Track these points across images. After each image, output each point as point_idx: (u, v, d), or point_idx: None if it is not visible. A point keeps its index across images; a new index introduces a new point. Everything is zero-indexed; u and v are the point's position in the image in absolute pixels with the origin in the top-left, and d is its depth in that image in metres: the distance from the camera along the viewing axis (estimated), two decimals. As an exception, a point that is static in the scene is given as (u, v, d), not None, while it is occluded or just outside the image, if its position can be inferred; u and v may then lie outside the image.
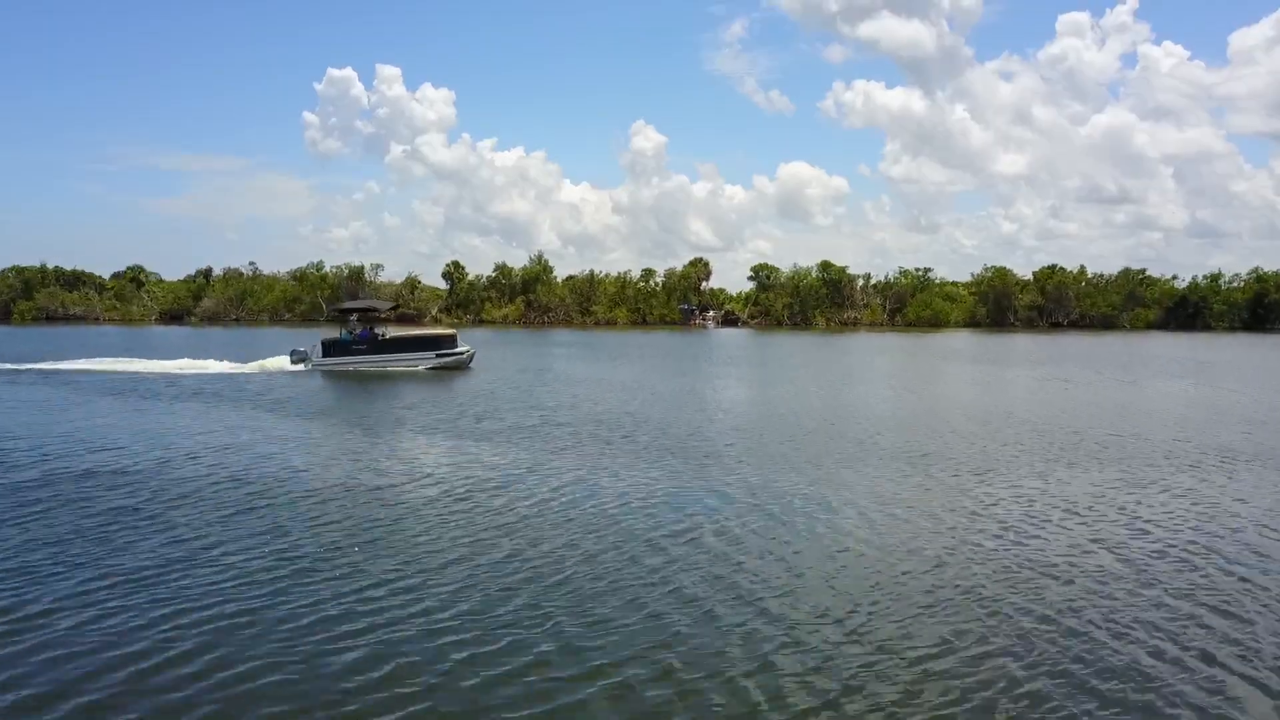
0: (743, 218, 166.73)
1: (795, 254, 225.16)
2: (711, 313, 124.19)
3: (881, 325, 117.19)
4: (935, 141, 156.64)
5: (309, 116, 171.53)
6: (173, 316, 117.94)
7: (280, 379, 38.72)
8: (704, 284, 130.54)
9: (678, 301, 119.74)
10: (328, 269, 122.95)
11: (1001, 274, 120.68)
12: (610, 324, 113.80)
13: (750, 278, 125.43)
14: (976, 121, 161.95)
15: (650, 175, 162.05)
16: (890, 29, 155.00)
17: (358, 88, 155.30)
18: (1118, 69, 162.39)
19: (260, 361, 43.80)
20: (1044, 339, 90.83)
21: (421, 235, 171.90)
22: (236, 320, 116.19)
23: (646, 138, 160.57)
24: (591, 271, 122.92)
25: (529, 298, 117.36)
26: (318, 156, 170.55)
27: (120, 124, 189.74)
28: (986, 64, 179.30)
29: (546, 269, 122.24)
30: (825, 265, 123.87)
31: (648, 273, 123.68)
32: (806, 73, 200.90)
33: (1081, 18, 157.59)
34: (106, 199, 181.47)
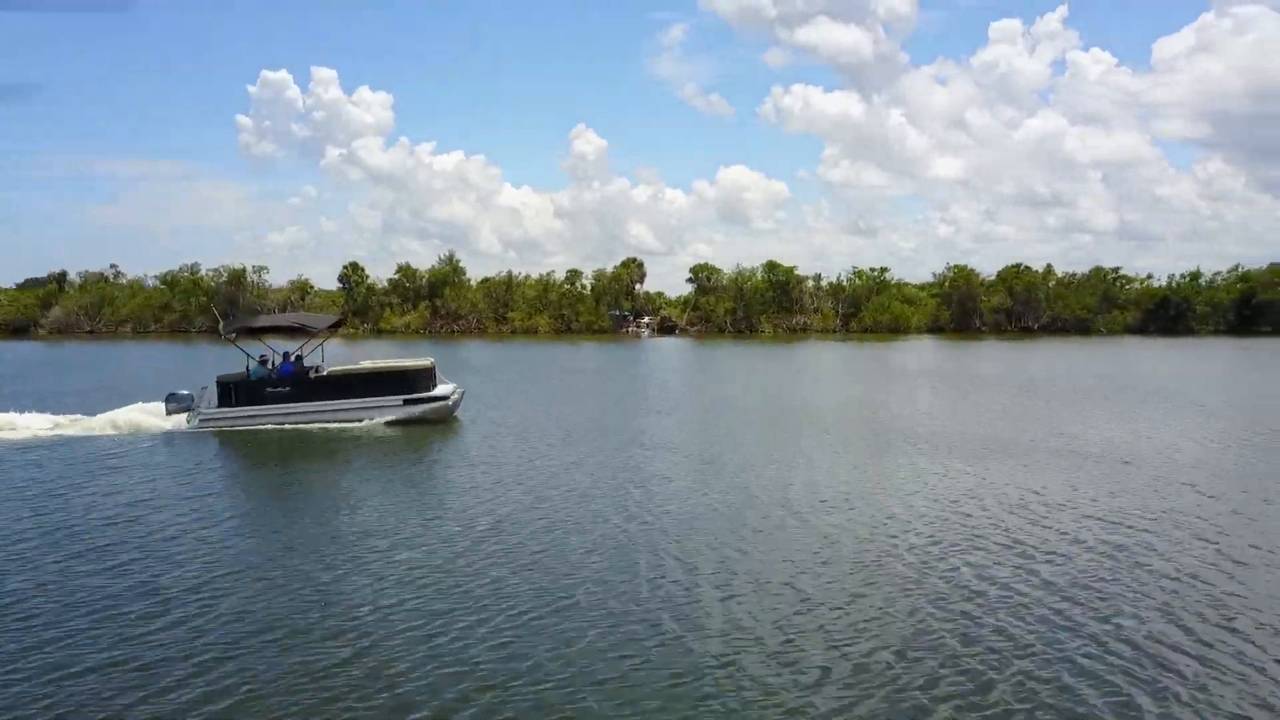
0: (684, 222, 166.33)
1: (736, 258, 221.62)
2: (646, 319, 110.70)
3: (834, 332, 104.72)
4: (873, 146, 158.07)
5: (242, 120, 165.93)
6: (15, 329, 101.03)
7: (143, 450, 23.27)
8: (638, 287, 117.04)
9: (608, 307, 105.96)
10: (204, 271, 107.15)
11: (965, 274, 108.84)
12: (530, 333, 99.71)
13: (689, 279, 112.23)
14: (913, 126, 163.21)
15: (591, 179, 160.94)
16: (828, 34, 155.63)
17: (293, 90, 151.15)
18: (1048, 75, 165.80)
19: (113, 414, 27.29)
20: (1013, 348, 78.73)
21: (359, 240, 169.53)
22: (91, 333, 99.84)
23: (587, 141, 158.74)
24: (509, 273, 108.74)
25: (436, 303, 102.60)
26: (252, 160, 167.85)
27: (50, 129, 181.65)
28: (922, 69, 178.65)
29: (457, 270, 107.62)
30: (771, 266, 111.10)
31: (573, 274, 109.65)
32: (746, 78, 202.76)
33: (1013, 25, 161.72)
34: (37, 206, 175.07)
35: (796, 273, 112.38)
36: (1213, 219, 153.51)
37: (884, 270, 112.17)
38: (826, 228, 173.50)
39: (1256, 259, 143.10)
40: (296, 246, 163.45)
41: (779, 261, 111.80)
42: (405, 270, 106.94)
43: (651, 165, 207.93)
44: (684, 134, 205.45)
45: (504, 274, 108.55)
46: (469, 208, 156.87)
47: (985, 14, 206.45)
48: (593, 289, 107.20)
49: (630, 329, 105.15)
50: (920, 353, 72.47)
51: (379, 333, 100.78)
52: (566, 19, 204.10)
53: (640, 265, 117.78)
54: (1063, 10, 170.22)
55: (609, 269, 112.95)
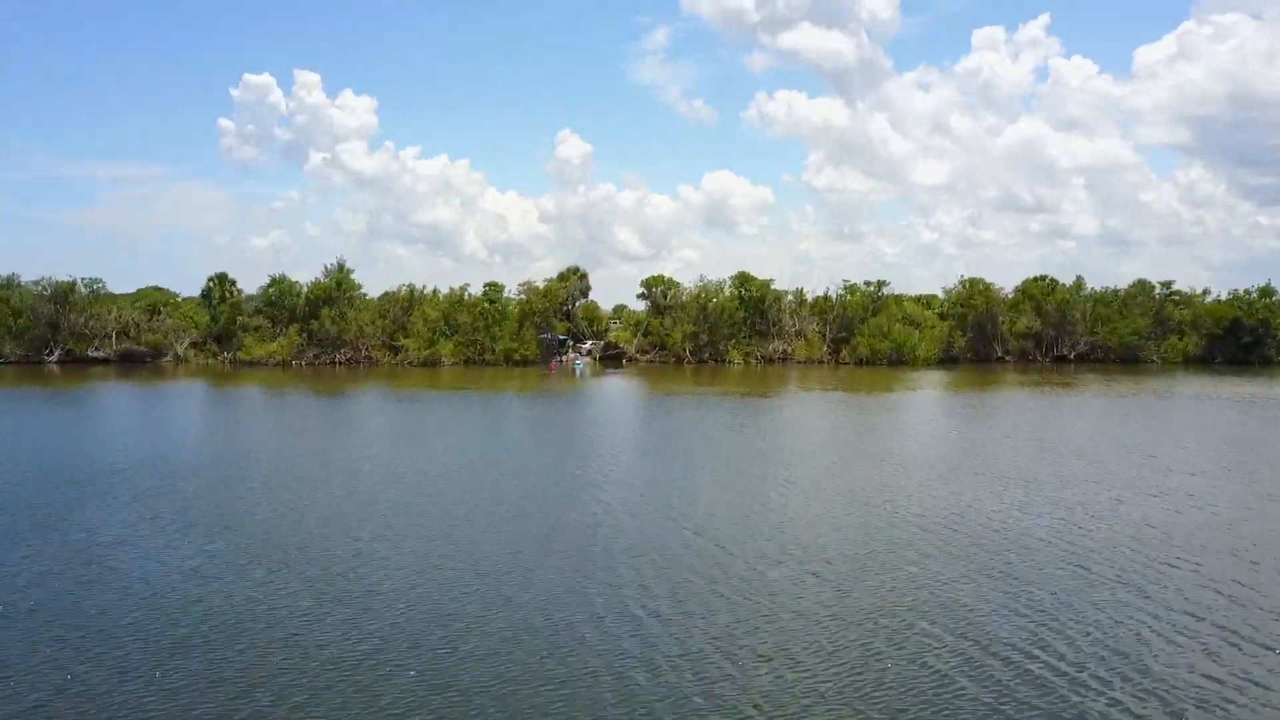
0: (670, 227, 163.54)
1: (721, 264, 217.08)
2: (587, 345, 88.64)
3: (822, 363, 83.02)
4: (857, 151, 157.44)
5: (225, 123, 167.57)
6: None
7: None
8: (579, 302, 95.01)
9: (535, 329, 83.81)
10: (24, 282, 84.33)
11: (982, 291, 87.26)
12: (431, 364, 77.44)
13: (640, 295, 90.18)
14: (896, 131, 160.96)
15: (576, 184, 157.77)
16: (811, 39, 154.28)
17: (276, 94, 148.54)
18: (1031, 82, 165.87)
19: None
20: (1066, 398, 57.34)
21: (344, 245, 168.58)
22: None
23: (572, 146, 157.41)
24: (410, 287, 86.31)
25: (311, 327, 79.97)
26: (234, 165, 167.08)
27: (24, 129, 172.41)
28: (905, 75, 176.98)
29: (348, 284, 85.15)
30: (743, 279, 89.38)
31: (493, 289, 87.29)
32: (729, 82, 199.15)
33: (996, 32, 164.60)
34: (10, 209, 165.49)
35: (773, 287, 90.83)
36: (1194, 224, 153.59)
37: (881, 284, 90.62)
38: (811, 233, 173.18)
39: (1237, 265, 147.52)
40: (279, 251, 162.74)
41: (752, 274, 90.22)
42: (279, 283, 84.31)
43: (636, 170, 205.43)
44: (668, 139, 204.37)
45: (405, 287, 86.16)
46: (453, 212, 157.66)
47: (968, 20, 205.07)
48: (521, 306, 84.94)
49: (560, 361, 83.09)
50: (945, 410, 50.78)
51: (236, 364, 78.42)
52: (551, 23, 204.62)
53: (583, 277, 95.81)
54: (1045, 18, 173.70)
55: (539, 283, 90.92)
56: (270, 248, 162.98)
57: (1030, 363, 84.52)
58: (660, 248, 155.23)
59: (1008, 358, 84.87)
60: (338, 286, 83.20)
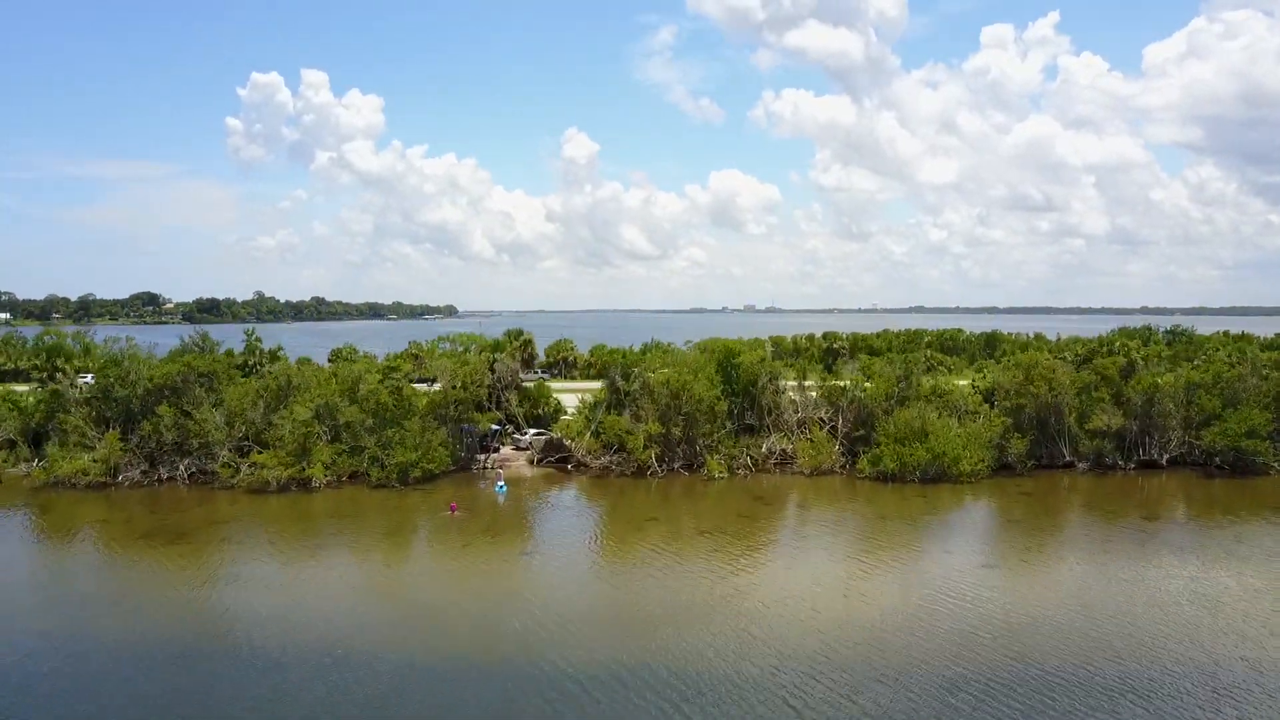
0: (676, 226, 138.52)
1: (729, 262, 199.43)
2: (527, 436, 67.83)
3: (833, 473, 62.14)
4: (864, 150, 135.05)
5: (232, 122, 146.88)
6: None
7: None
8: (520, 373, 74.24)
9: (453, 421, 63.11)
10: None
11: (1044, 372, 65.94)
12: (301, 486, 56.67)
13: (589, 361, 69.28)
14: (904, 130, 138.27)
15: (583, 183, 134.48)
16: (817, 37, 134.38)
17: (283, 93, 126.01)
18: (1040, 80, 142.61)
19: None
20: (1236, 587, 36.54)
21: (351, 244, 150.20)
22: None
23: (579, 145, 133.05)
24: (288, 371, 65.51)
25: (143, 429, 59.17)
26: (241, 164, 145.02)
27: (31, 129, 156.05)
28: (913, 73, 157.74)
29: (212, 363, 64.38)
30: (726, 351, 68.96)
31: (391, 366, 66.39)
32: (736, 82, 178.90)
33: (1005, 30, 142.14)
34: (21, 210, 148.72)
35: (770, 360, 70.15)
36: (1204, 223, 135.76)
37: (910, 357, 69.76)
38: (819, 232, 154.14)
39: (1248, 264, 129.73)
40: (287, 250, 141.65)
41: (735, 343, 69.72)
42: (115, 364, 63.80)
43: (643, 169, 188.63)
44: (675, 137, 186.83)
45: (194, 338, 65.36)
46: (460, 211, 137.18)
47: (976, 18, 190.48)
48: (428, 399, 63.84)
49: (484, 468, 62.50)
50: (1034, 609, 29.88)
51: (48, 480, 58.03)
52: (558, 23, 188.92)
53: (527, 343, 75.12)
54: (1054, 15, 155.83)
55: (473, 351, 70.37)
56: (278, 247, 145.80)
57: (1109, 470, 63.49)
58: (667, 246, 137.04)
59: (1080, 464, 63.78)
60: (190, 370, 62.51)
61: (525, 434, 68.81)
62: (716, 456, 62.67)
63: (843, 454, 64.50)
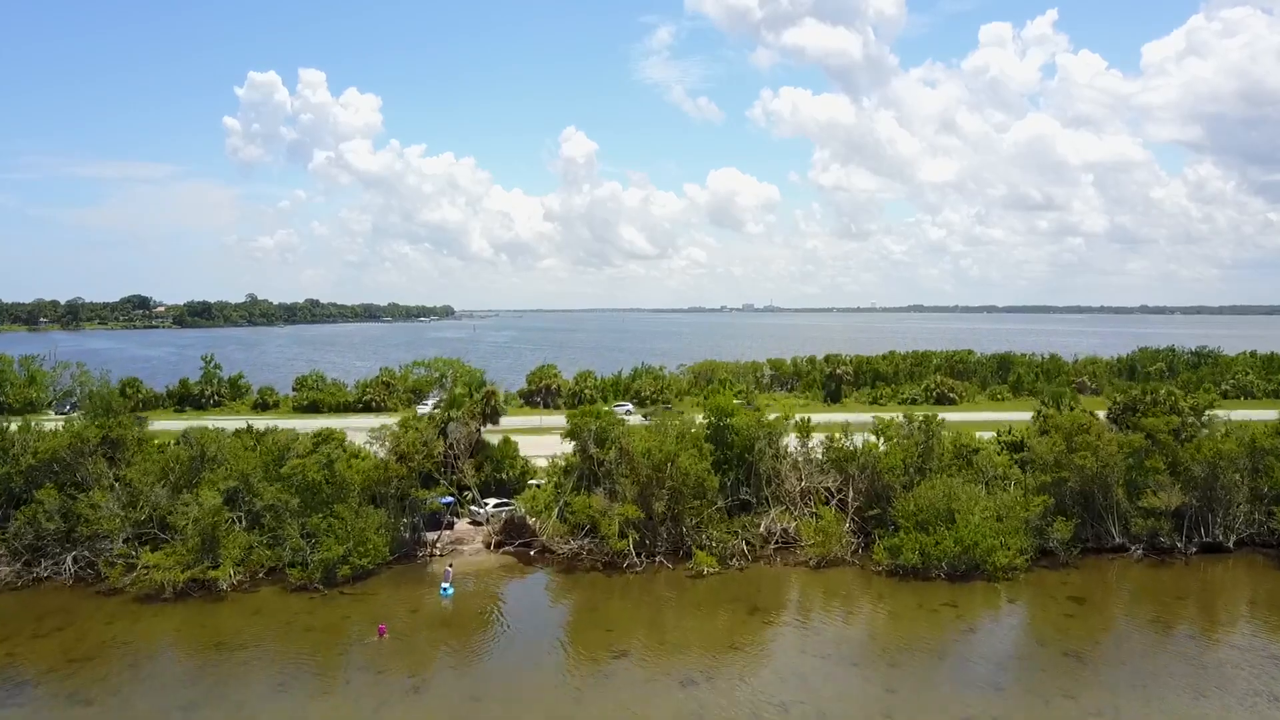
0: (676, 225, 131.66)
1: (728, 261, 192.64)
2: (487, 508, 58.41)
3: (845, 563, 52.66)
4: (864, 149, 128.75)
5: (230, 122, 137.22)
6: None
7: None
8: (482, 430, 64.86)
9: (397, 498, 53.65)
10: None
11: (1088, 440, 56.44)
12: (205, 588, 47.12)
13: (564, 434, 59.66)
14: (904, 129, 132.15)
15: (582, 182, 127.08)
16: (815, 36, 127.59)
17: (281, 93, 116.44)
18: (1039, 79, 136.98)
19: None
20: None
21: (351, 244, 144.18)
22: None
23: (577, 145, 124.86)
24: (202, 440, 55.73)
25: (17, 519, 49.63)
26: (240, 164, 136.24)
27: (34, 131, 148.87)
28: (911, 72, 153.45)
29: (116, 427, 54.91)
30: (719, 410, 59.57)
31: (323, 436, 56.55)
32: (734, 81, 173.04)
33: (1003, 28, 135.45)
34: (22, 211, 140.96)
35: (769, 416, 60.72)
36: (1204, 222, 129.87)
37: (932, 420, 60.37)
38: (818, 231, 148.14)
39: (1247, 263, 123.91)
40: (287, 250, 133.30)
41: (728, 398, 60.33)
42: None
43: (642, 168, 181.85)
44: (674, 137, 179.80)
45: (197, 439, 55.68)
46: (459, 211, 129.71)
47: (975, 17, 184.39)
48: (362, 477, 54.01)
49: (431, 554, 53.14)
50: None
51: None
52: (557, 22, 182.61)
53: (490, 395, 65.59)
54: (1052, 14, 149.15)
55: (420, 412, 61.05)
56: (277, 247, 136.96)
57: (1166, 555, 54.09)
58: (666, 246, 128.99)
59: (1133, 547, 54.33)
60: (83, 443, 52.92)
61: (485, 505, 59.44)
62: (706, 537, 53.26)
63: (854, 533, 55.16)
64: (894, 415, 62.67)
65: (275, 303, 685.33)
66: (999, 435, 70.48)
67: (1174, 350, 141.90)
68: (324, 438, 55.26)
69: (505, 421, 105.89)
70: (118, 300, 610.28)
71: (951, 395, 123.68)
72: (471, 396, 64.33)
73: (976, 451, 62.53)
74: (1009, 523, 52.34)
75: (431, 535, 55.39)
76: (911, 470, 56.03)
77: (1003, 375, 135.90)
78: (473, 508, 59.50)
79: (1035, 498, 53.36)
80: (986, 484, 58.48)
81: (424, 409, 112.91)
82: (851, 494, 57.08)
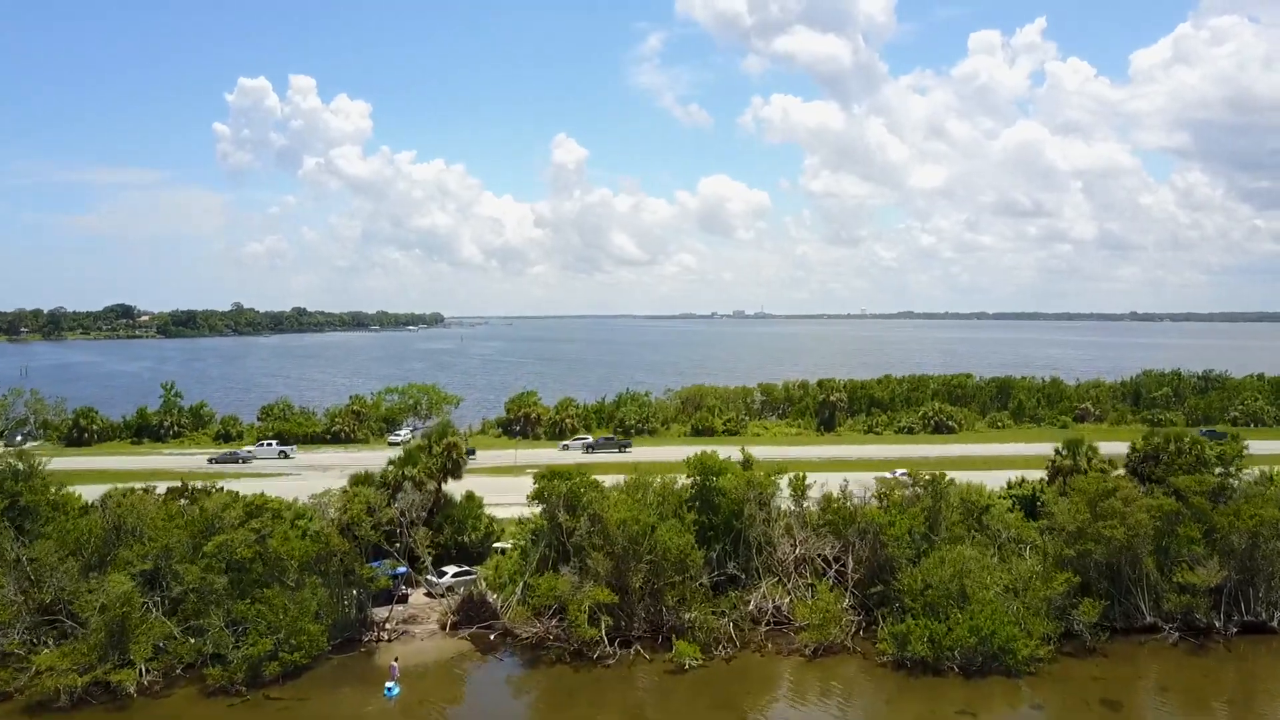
0: (666, 231, 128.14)
1: (719, 267, 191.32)
2: (446, 577, 52.33)
3: (845, 649, 46.64)
4: (854, 156, 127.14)
5: (220, 128, 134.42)
6: None
7: None
8: (444, 485, 58.84)
9: (342, 576, 47.38)
10: None
11: (1114, 506, 50.64)
12: (114, 700, 40.91)
13: (532, 500, 53.52)
14: (893, 136, 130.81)
15: (572, 188, 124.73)
16: (805, 43, 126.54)
17: (271, 98, 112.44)
18: (1028, 86, 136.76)
19: None
20: None
21: (340, 250, 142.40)
22: None
23: (568, 151, 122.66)
24: (119, 508, 49.41)
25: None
26: (229, 170, 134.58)
27: (23, 136, 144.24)
28: (901, 79, 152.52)
29: (29, 493, 48.69)
30: (704, 469, 53.71)
31: (269, 511, 50.31)
32: (725, 88, 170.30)
33: (993, 35, 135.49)
34: (12, 217, 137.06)
35: (758, 475, 54.71)
36: (1192, 228, 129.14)
37: (940, 481, 54.58)
38: (809, 238, 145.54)
39: (1235, 269, 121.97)
40: (276, 256, 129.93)
41: (714, 458, 54.47)
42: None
43: (633, 175, 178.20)
44: (664, 143, 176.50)
45: (113, 503, 49.55)
46: (449, 217, 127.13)
47: (963, 24, 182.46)
48: (299, 550, 47.81)
49: (379, 636, 47.00)
50: None
51: None
52: (548, 28, 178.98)
53: (452, 447, 59.52)
54: (1041, 21, 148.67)
55: (392, 442, 54.97)
56: (267, 253, 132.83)
57: (1203, 636, 48.33)
58: (657, 252, 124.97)
59: (1166, 628, 48.53)
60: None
61: (444, 573, 53.39)
62: (689, 618, 47.26)
63: (854, 610, 49.25)
64: (895, 472, 56.88)
65: (261, 311, 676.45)
66: (1009, 487, 64.82)
67: (1179, 374, 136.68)
68: (258, 506, 49.01)
69: (481, 456, 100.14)
70: (101, 309, 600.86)
71: (950, 423, 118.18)
72: (430, 451, 58.25)
73: (987, 509, 56.90)
74: (1029, 598, 46.58)
75: (381, 612, 49.25)
76: (918, 537, 50.10)
77: (1003, 401, 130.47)
78: (429, 577, 53.38)
79: (1058, 575, 47.47)
80: (999, 547, 52.91)
81: (397, 439, 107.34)
82: (852, 563, 51.21)
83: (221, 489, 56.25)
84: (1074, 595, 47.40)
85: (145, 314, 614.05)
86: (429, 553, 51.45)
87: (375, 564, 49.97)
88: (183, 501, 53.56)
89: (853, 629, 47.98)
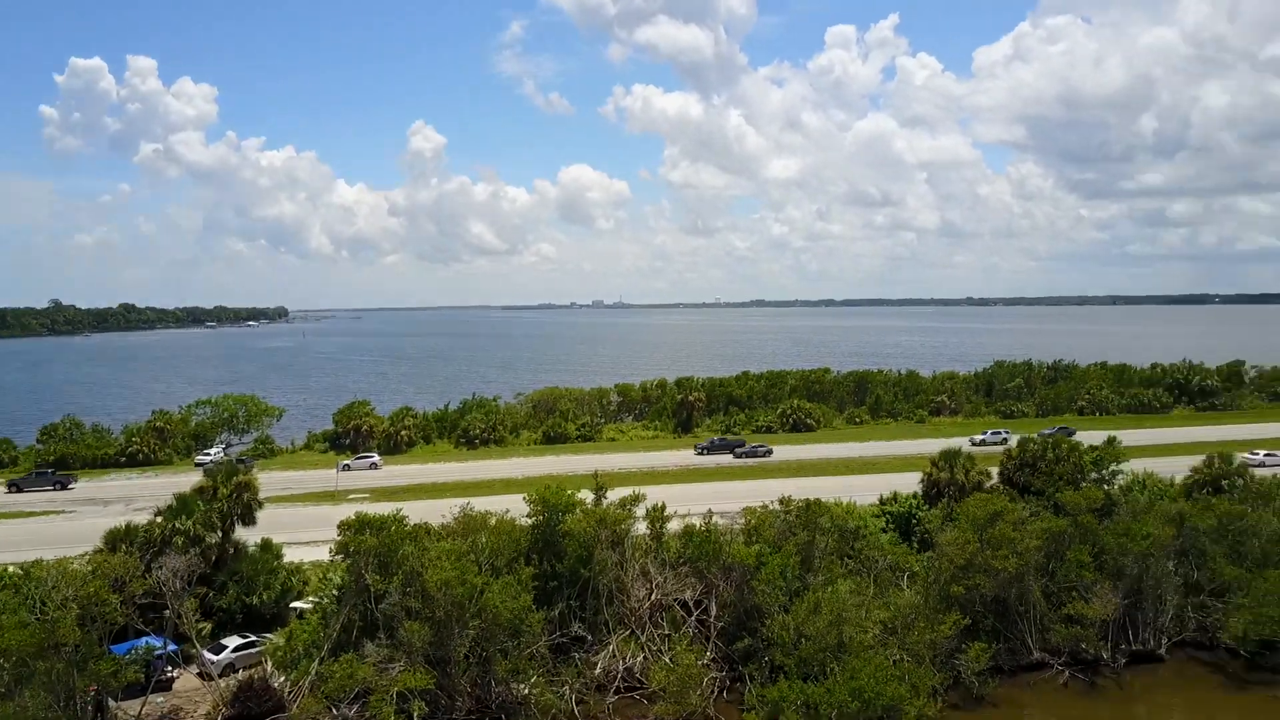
0: (525, 221, 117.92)
1: (579, 257, 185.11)
2: (224, 655, 42.26)
3: (705, 714, 39.66)
4: (713, 146, 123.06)
5: (47, 111, 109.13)
6: None
7: None
8: (233, 533, 48.56)
9: (80, 666, 36.72)
10: None
11: (1006, 531, 45.75)
12: None
13: (337, 549, 44.01)
14: (751, 127, 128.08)
15: (429, 176, 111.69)
16: (668, 34, 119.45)
17: (106, 80, 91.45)
18: (879, 80, 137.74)
19: None
20: None
21: (180, 242, 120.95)
22: None
23: (426, 138, 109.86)
24: None
25: None
26: (55, 155, 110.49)
27: None
28: (760, 70, 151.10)
29: None
30: (548, 506, 45.70)
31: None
32: (587, 77, 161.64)
33: (849, 30, 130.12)
34: None
35: (611, 511, 47.15)
36: (1024, 217, 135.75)
37: (813, 507, 48.47)
38: (667, 227, 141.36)
39: (1062, 255, 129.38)
40: (106, 248, 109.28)
41: (560, 495, 46.63)
42: None
43: (491, 163, 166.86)
44: (525, 132, 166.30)
45: None
46: (298, 206, 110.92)
47: (823, 19, 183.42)
48: (33, 638, 37.12)
49: None
50: None
51: None
52: (407, 11, 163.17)
53: (244, 487, 49.14)
54: (895, 17, 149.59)
55: (200, 463, 44.12)
56: (96, 245, 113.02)
57: (1092, 670, 44.04)
58: (516, 242, 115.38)
59: (1052, 661, 43.97)
60: None
61: (223, 649, 43.35)
62: (523, 692, 39.27)
63: (717, 664, 42.46)
64: (766, 502, 50.57)
65: (84, 308, 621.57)
66: (882, 503, 59.80)
67: (1030, 365, 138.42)
68: None
69: (296, 477, 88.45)
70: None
71: (809, 421, 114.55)
72: (216, 495, 47.81)
73: (859, 534, 51.39)
74: (912, 641, 40.97)
75: (132, 707, 38.89)
76: (788, 586, 43.66)
77: (860, 396, 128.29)
78: (205, 653, 43.15)
79: (946, 616, 41.96)
80: (875, 577, 47.35)
81: (205, 459, 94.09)
82: (715, 609, 44.43)
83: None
84: (961, 637, 42.06)
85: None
86: (199, 627, 41.27)
87: (130, 645, 39.66)
88: None
89: (715, 691, 41.13)
